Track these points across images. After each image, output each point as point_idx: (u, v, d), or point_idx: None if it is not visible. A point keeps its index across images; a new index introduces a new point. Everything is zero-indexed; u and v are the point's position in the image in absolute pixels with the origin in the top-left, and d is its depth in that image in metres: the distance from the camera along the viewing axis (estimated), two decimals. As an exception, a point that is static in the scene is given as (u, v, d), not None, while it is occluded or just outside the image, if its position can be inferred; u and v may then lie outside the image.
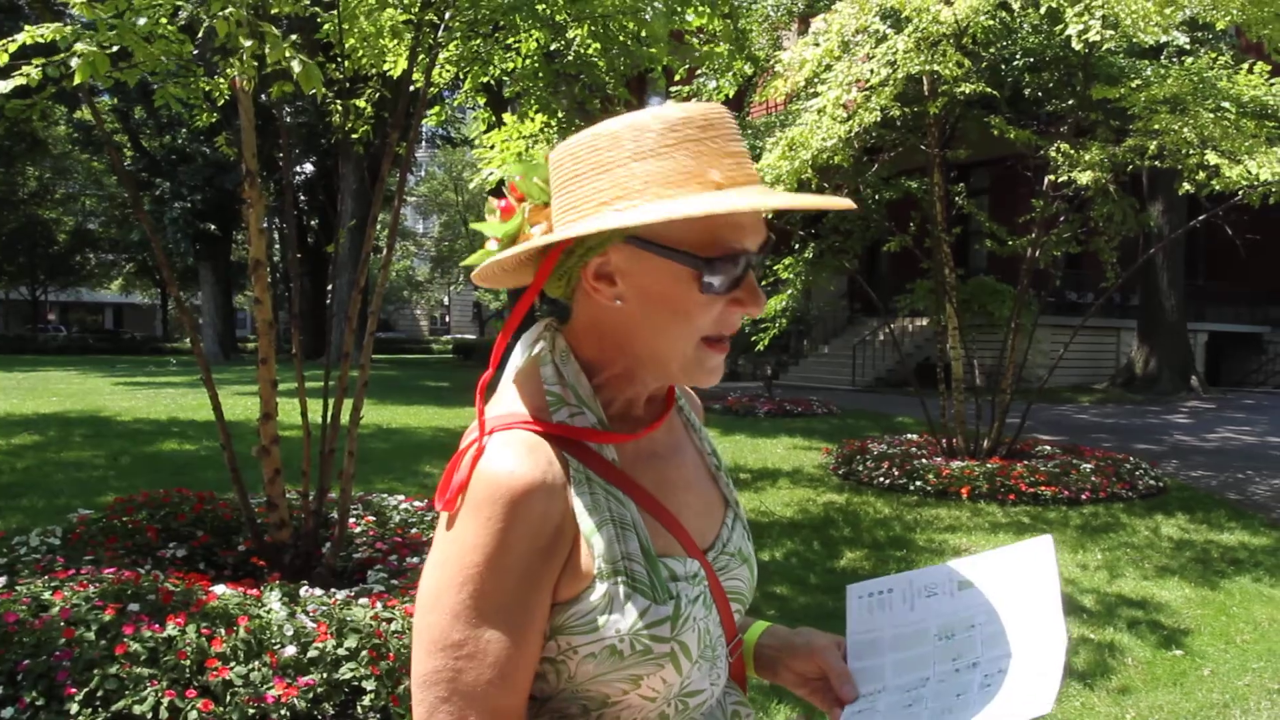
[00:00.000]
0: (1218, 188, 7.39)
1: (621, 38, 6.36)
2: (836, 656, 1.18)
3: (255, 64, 3.89)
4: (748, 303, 1.05)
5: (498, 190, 1.25)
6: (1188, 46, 9.26)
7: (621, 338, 1.07)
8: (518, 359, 1.14)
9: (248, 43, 3.56)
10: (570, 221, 1.03)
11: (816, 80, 8.38)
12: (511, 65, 6.43)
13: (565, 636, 1.02)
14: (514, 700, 0.99)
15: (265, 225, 4.69)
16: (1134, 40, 7.32)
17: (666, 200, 0.98)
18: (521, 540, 0.97)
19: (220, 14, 3.50)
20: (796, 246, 10.95)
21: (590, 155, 1.02)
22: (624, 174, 1.00)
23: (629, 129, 1.01)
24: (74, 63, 3.32)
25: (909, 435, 11.16)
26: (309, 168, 34.37)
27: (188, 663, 3.46)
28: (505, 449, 1.00)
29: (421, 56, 5.24)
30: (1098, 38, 6.79)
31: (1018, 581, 1.14)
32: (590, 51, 6.51)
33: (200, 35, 4.51)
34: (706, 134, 1.01)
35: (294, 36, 3.93)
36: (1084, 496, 8.30)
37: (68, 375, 22.28)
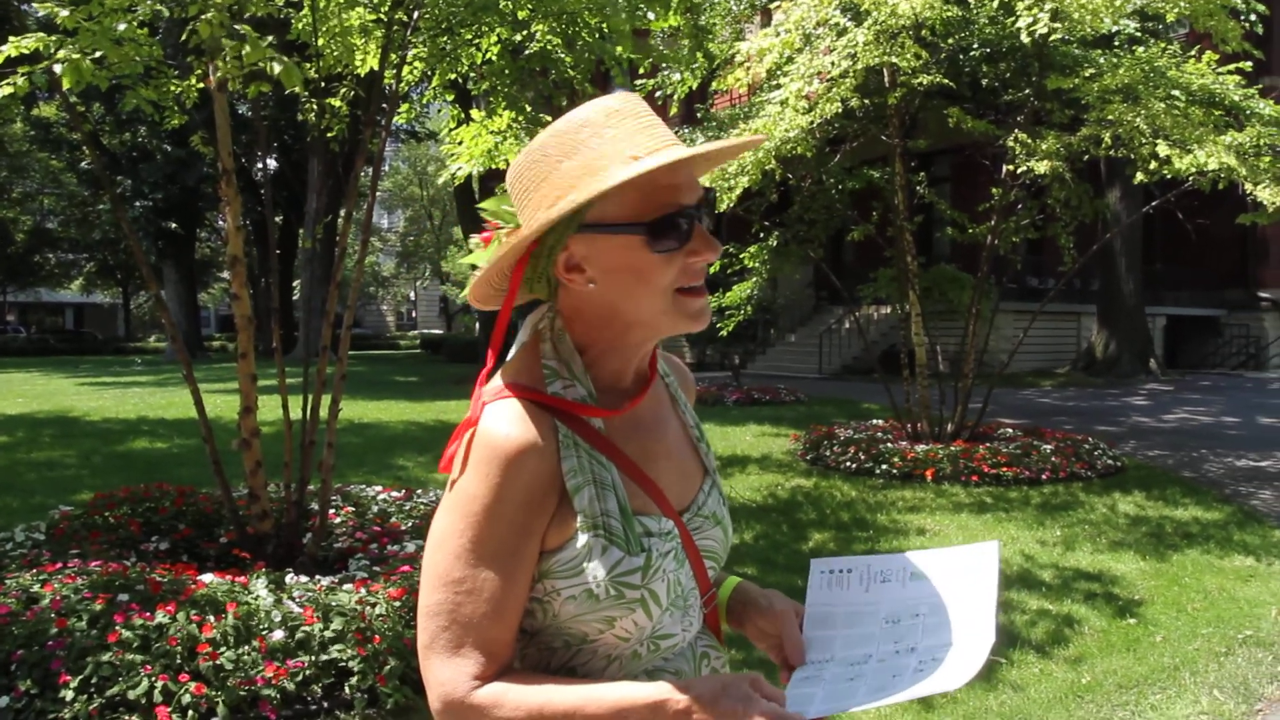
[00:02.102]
0: (1168, 175, 7.61)
1: (585, 34, 6.47)
2: (793, 624, 1.32)
3: (238, 63, 3.98)
4: (703, 250, 1.19)
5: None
6: (1139, 35, 9.48)
7: (605, 314, 1.21)
8: (523, 335, 1.28)
9: (230, 43, 3.65)
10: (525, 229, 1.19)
11: (779, 72, 8.53)
12: (478, 59, 6.52)
13: (550, 580, 1.17)
14: (504, 631, 1.14)
15: (242, 222, 4.78)
16: (1082, 33, 7.52)
17: (589, 184, 1.14)
18: (514, 494, 1.13)
19: (203, 17, 3.58)
20: (761, 235, 11.11)
21: (531, 170, 1.19)
22: (557, 176, 1.16)
23: (553, 137, 1.18)
24: (58, 69, 3.40)
25: (875, 421, 11.37)
26: (272, 163, 34.15)
27: (179, 649, 3.56)
28: (504, 414, 1.15)
29: (393, 56, 5.33)
30: (1045, 30, 6.98)
31: (963, 580, 1.27)
32: (553, 47, 6.61)
33: (161, 36, 4.57)
34: (615, 120, 1.17)
35: (270, 38, 4.03)
36: (1044, 476, 8.53)
37: (31, 377, 22.09)
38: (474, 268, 1.26)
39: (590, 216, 1.16)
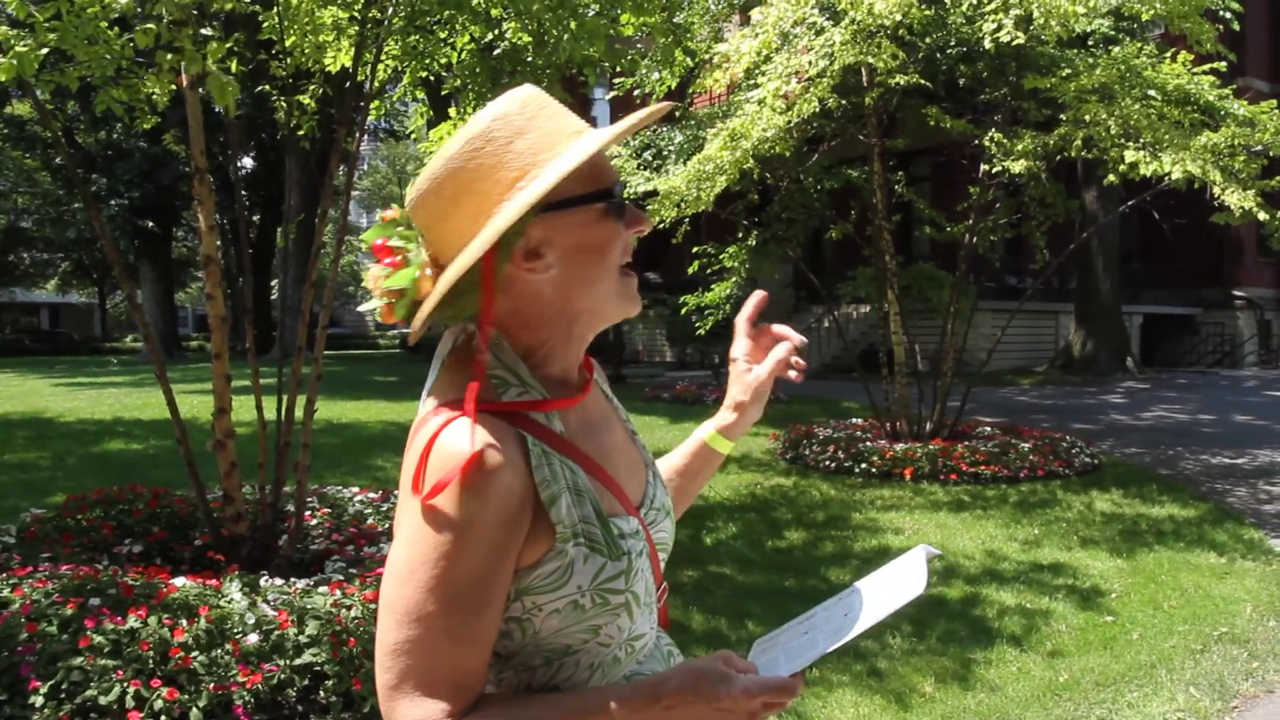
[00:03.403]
0: (1136, 178, 7.66)
1: (555, 32, 6.43)
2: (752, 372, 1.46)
3: (200, 63, 3.93)
4: (640, 221, 1.21)
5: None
6: (1114, 35, 9.54)
7: (556, 306, 1.18)
8: (442, 353, 1.22)
9: (189, 46, 3.61)
10: (481, 230, 1.11)
11: (757, 72, 8.53)
12: (449, 59, 6.49)
13: (531, 596, 1.12)
14: (479, 662, 1.08)
15: (216, 222, 4.73)
16: (1051, 34, 7.54)
17: (554, 161, 1.12)
18: (489, 516, 1.06)
19: (144, 26, 3.54)
20: (740, 235, 11.11)
21: (473, 161, 1.12)
22: (512, 157, 1.12)
23: (494, 122, 1.13)
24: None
25: (854, 420, 11.39)
26: (248, 162, 33.94)
27: (151, 653, 3.51)
28: (468, 431, 1.07)
29: (366, 54, 5.30)
30: (1008, 38, 7.01)
31: (895, 575, 1.27)
32: (523, 44, 6.58)
33: (132, 38, 4.53)
34: (545, 101, 1.17)
35: (236, 34, 3.99)
36: (1022, 475, 8.57)
37: (5, 377, 21.86)
38: (393, 292, 1.19)
39: (550, 196, 1.13)
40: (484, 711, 1.07)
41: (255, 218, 36.07)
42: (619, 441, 1.31)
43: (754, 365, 1.46)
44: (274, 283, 38.70)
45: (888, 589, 1.22)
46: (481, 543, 1.06)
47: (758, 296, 1.46)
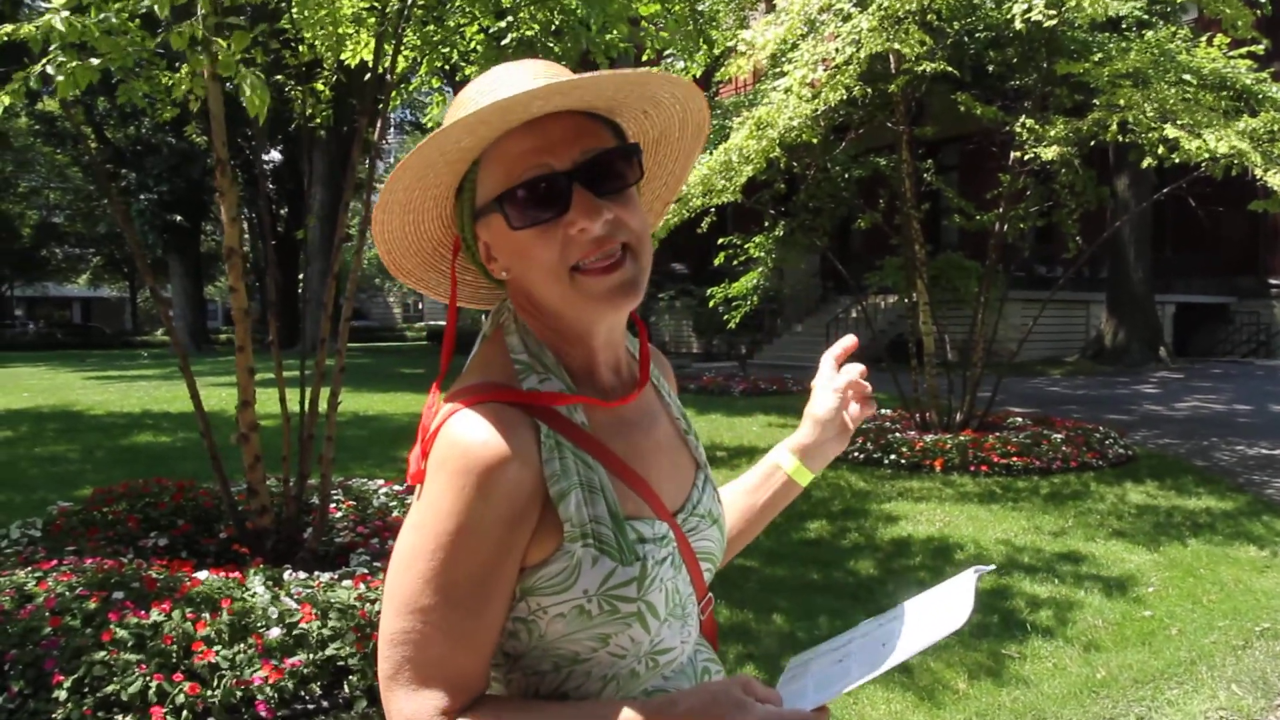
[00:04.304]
0: (1177, 161, 7.49)
1: (579, 13, 6.33)
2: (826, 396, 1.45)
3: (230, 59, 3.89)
4: (578, 220, 1.04)
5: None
6: (1146, 18, 9.36)
7: (534, 301, 1.12)
8: (486, 329, 1.18)
9: (221, 42, 3.57)
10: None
11: (783, 59, 8.42)
12: (464, 47, 6.43)
13: (535, 597, 1.05)
14: (477, 662, 1.03)
15: (239, 214, 4.70)
16: (1081, 18, 7.39)
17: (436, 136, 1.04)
18: (493, 510, 1.00)
19: (178, 28, 3.51)
20: (767, 225, 11.02)
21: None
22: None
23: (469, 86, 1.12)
24: (52, 72, 3.32)
25: (883, 410, 11.27)
26: (277, 155, 34.09)
27: (174, 647, 3.50)
28: (478, 420, 1.02)
29: (387, 45, 5.25)
30: (1040, 17, 6.86)
31: (940, 601, 1.19)
32: (534, 33, 6.50)
33: (160, 32, 4.50)
34: (484, 95, 1.05)
35: (262, 25, 3.95)
36: (1055, 466, 8.44)
37: (37, 371, 22.09)
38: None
39: (478, 199, 1.09)
40: (480, 712, 1.02)
41: (282, 211, 36.24)
42: (660, 440, 1.23)
43: (827, 396, 1.45)
44: (300, 275, 38.93)
45: (932, 615, 1.15)
46: (482, 539, 1.01)
47: (849, 341, 1.46)
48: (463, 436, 1.01)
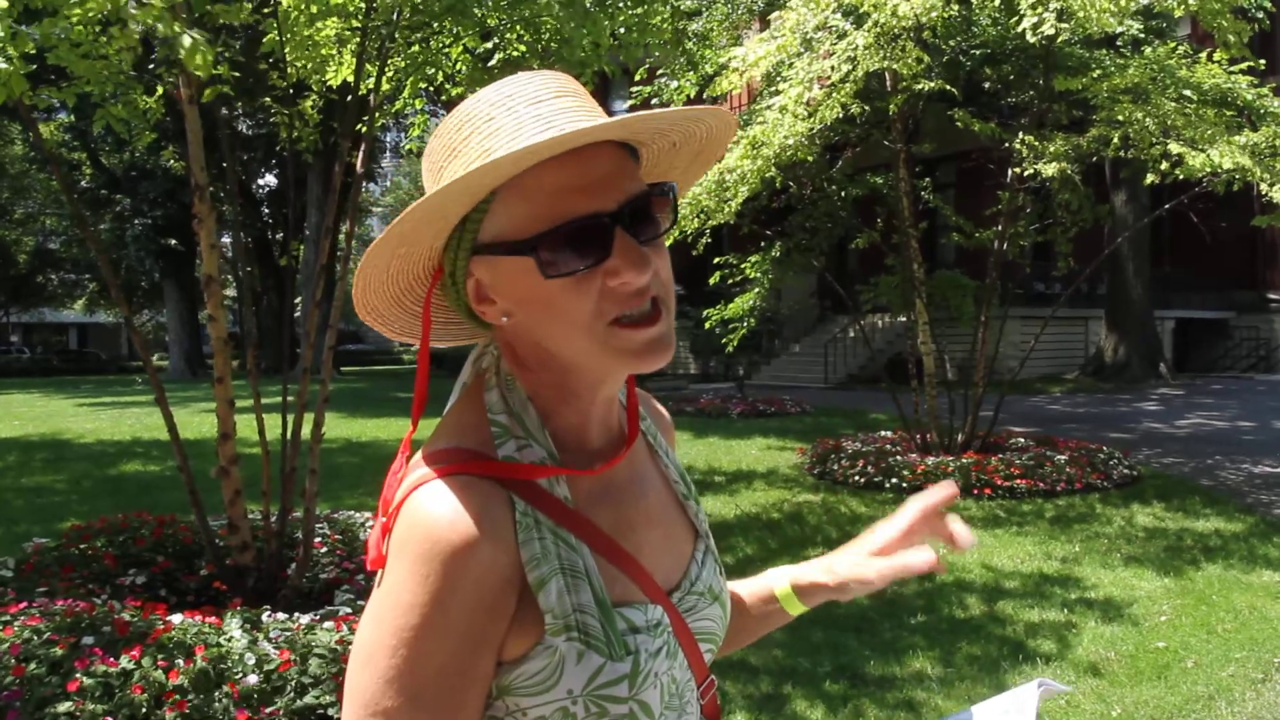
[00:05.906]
0: (1181, 176, 7.39)
1: (549, 41, 6.22)
2: (859, 566, 1.15)
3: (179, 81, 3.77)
4: (622, 270, 0.90)
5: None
6: (1142, 36, 9.31)
7: (539, 354, 0.97)
8: (464, 377, 1.03)
9: (186, 43, 3.43)
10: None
11: (778, 77, 8.33)
12: (449, 69, 6.32)
13: (513, 697, 0.91)
14: None
15: (221, 239, 4.57)
16: (1089, 32, 7.32)
17: (459, 167, 0.91)
18: (463, 600, 0.87)
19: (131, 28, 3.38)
20: (763, 245, 10.90)
21: (429, 154, 0.97)
22: (461, 148, 0.92)
23: (436, 139, 0.95)
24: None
25: (883, 432, 11.13)
26: (271, 180, 34.07)
27: (144, 697, 3.33)
28: (445, 495, 0.88)
29: (369, 67, 5.12)
30: (1052, 30, 6.77)
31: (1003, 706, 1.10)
32: (519, 54, 6.38)
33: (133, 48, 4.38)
34: (505, 106, 0.91)
35: (238, 43, 3.82)
36: (1059, 488, 8.28)
37: (30, 398, 21.92)
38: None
39: (483, 235, 0.92)
40: None
41: (278, 236, 36.16)
42: (653, 510, 1.07)
43: (884, 556, 1.14)
44: (296, 300, 38.82)
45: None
46: (450, 634, 0.86)
47: (949, 490, 1.15)
48: (426, 516, 0.87)
